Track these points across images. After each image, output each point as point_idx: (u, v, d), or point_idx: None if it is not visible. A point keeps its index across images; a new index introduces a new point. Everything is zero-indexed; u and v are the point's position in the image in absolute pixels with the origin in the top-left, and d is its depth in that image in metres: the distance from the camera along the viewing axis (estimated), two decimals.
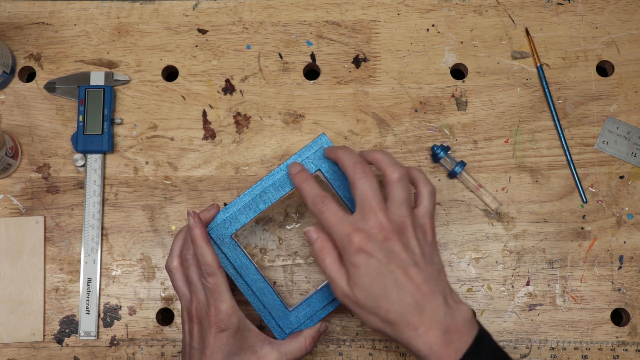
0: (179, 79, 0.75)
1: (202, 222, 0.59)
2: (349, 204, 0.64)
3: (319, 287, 0.64)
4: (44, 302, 0.71)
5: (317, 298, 0.64)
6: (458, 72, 0.77)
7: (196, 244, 0.58)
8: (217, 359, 0.58)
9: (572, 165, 0.73)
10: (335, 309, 0.64)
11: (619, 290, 0.71)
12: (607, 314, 0.71)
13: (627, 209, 0.73)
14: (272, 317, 0.63)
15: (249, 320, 0.60)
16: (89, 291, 0.71)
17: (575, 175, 0.73)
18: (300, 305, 0.64)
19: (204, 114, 0.75)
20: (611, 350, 0.70)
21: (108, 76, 0.74)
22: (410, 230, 0.56)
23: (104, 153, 0.73)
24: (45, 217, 0.72)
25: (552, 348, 0.70)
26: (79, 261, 0.72)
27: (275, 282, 0.71)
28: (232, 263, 0.63)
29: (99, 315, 0.71)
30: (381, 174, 0.59)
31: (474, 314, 0.57)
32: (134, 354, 0.70)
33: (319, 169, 0.64)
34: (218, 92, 0.75)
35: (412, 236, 0.56)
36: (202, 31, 0.76)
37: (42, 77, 0.75)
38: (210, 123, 0.74)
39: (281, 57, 0.76)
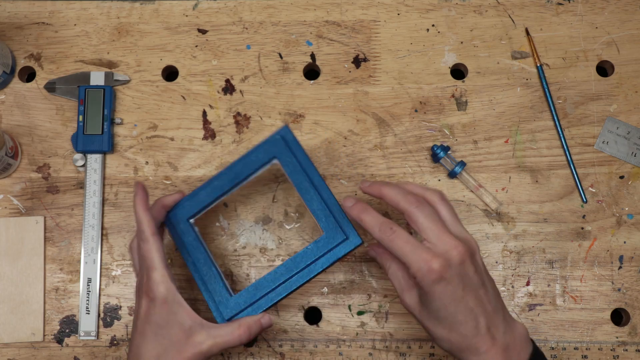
0: (179, 79, 0.75)
1: (144, 192, 0.60)
2: (304, 193, 0.63)
3: (262, 276, 0.63)
4: (44, 302, 0.71)
5: (259, 286, 0.62)
6: (458, 72, 0.77)
7: (135, 211, 0.59)
8: (145, 330, 0.57)
9: (572, 165, 0.73)
10: (280, 300, 0.62)
11: (619, 290, 0.71)
12: (607, 314, 0.71)
13: (627, 209, 0.73)
14: (214, 301, 0.62)
15: (182, 298, 0.59)
16: (89, 291, 0.71)
17: (575, 175, 0.73)
18: (241, 292, 0.62)
19: (204, 114, 0.75)
20: (611, 350, 0.70)
21: (108, 76, 0.74)
22: (478, 251, 0.57)
23: (104, 153, 0.73)
24: (45, 217, 0.72)
25: (552, 348, 0.70)
26: (79, 261, 0.72)
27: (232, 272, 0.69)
28: (186, 245, 0.63)
29: (99, 315, 0.71)
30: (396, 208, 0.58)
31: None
32: None
33: (275, 157, 0.63)
34: (218, 92, 0.75)
35: (479, 256, 0.57)
36: (202, 31, 0.76)
37: (42, 77, 0.75)
38: (210, 123, 0.74)
39: (281, 57, 0.76)
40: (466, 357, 0.55)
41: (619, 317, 0.72)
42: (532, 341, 0.58)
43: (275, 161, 0.64)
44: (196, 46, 0.76)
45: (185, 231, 0.64)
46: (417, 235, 0.56)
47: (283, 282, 0.62)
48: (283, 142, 0.63)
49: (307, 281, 0.62)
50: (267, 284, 0.62)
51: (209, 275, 0.63)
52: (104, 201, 0.73)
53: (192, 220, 0.64)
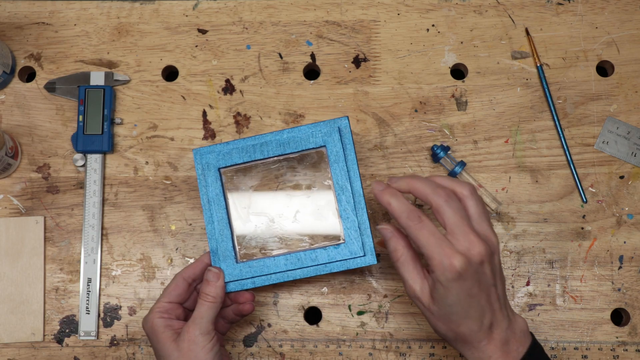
0: (179, 79, 0.75)
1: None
2: (339, 191, 0.64)
3: (271, 255, 0.65)
4: (44, 302, 0.71)
5: (266, 264, 0.64)
6: (458, 72, 0.77)
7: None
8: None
9: (572, 165, 0.73)
10: (278, 283, 0.65)
11: (619, 290, 0.71)
12: (607, 314, 0.71)
13: (627, 209, 0.73)
14: (220, 261, 0.64)
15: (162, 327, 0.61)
16: (89, 291, 0.71)
17: (575, 175, 0.73)
18: (247, 262, 0.64)
19: (204, 114, 0.75)
20: (611, 350, 0.70)
21: (108, 76, 0.74)
22: (498, 251, 0.57)
23: (104, 153, 0.73)
24: (45, 217, 0.72)
25: (552, 348, 0.70)
26: (79, 261, 0.72)
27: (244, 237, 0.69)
28: (208, 194, 0.64)
29: (99, 315, 0.71)
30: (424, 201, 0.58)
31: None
32: (134, 354, 0.70)
33: (324, 146, 0.64)
34: (218, 92, 0.75)
35: (497, 257, 0.57)
36: (202, 31, 0.76)
37: (42, 77, 0.75)
38: (210, 123, 0.74)
39: (281, 57, 0.76)
40: (464, 349, 0.57)
41: (619, 317, 0.72)
42: (532, 335, 0.58)
43: (322, 148, 0.65)
44: (196, 46, 0.76)
45: (213, 180, 0.64)
46: (441, 229, 0.56)
47: (288, 270, 0.64)
48: (337, 134, 0.64)
49: (310, 276, 0.64)
50: (274, 265, 0.64)
51: (222, 234, 0.64)
52: (104, 201, 0.73)
53: (221, 171, 0.65)
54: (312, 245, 0.65)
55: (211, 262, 0.65)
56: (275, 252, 0.65)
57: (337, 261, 0.63)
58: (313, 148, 0.65)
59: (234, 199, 0.65)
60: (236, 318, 0.66)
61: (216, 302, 0.61)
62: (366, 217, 0.63)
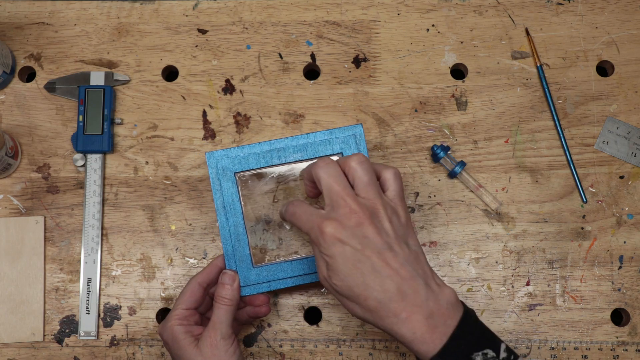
0: (179, 79, 0.75)
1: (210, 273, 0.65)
2: None
3: (288, 259, 0.65)
4: (44, 302, 0.71)
5: (279, 269, 0.65)
6: (458, 72, 0.77)
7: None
8: None
9: (572, 165, 0.73)
10: (295, 285, 0.65)
11: (619, 290, 0.71)
12: (607, 314, 0.71)
13: (627, 209, 0.73)
14: (236, 265, 0.64)
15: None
16: (89, 291, 0.71)
17: (575, 175, 0.73)
18: (264, 267, 0.65)
19: (204, 114, 0.75)
20: (611, 350, 0.70)
21: (108, 76, 0.74)
22: (382, 213, 0.54)
23: (104, 153, 0.73)
24: (45, 217, 0.72)
25: (552, 348, 0.70)
26: (79, 261, 0.72)
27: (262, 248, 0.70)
28: (224, 198, 0.64)
29: (99, 315, 0.71)
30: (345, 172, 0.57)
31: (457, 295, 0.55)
32: (134, 354, 0.70)
33: (341, 153, 0.65)
34: (218, 92, 0.75)
35: (384, 219, 0.54)
36: (202, 31, 0.76)
37: (42, 77, 0.75)
38: (210, 123, 0.74)
39: (281, 57, 0.76)
40: (389, 325, 0.53)
41: (619, 317, 0.72)
42: (464, 305, 0.55)
43: (339, 156, 0.65)
44: (196, 46, 0.76)
45: (228, 184, 0.65)
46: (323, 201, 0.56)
47: (304, 275, 0.65)
48: (354, 141, 0.64)
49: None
50: (290, 269, 0.65)
51: (238, 238, 0.64)
52: (104, 201, 0.73)
53: (237, 176, 0.65)
54: None
55: (225, 266, 0.65)
56: (289, 255, 0.66)
57: None
58: (330, 155, 0.65)
59: (248, 203, 0.66)
60: (249, 320, 0.66)
61: (233, 305, 0.61)
62: None
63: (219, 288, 0.62)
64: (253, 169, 0.65)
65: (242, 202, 0.65)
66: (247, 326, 0.71)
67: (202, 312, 0.65)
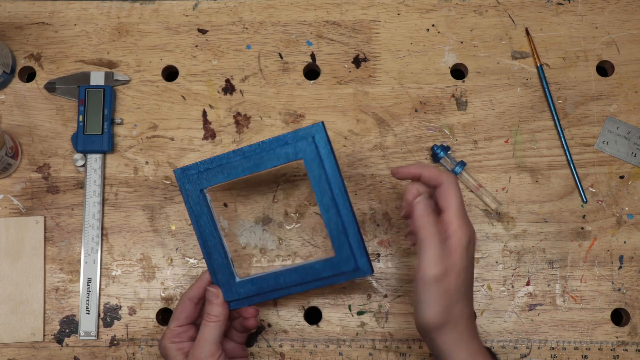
0: (179, 79, 0.75)
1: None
2: (323, 210, 0.60)
3: (270, 271, 0.63)
4: (44, 302, 0.71)
5: (263, 281, 0.62)
6: (458, 72, 0.77)
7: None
8: None
9: (572, 165, 0.73)
10: (279, 297, 0.63)
11: (619, 290, 0.71)
12: (607, 314, 0.71)
13: (627, 209, 0.73)
14: (219, 281, 0.63)
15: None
16: (89, 291, 0.71)
17: (575, 175, 0.73)
18: (245, 280, 0.62)
19: (204, 114, 0.75)
20: (611, 350, 0.70)
21: (108, 76, 0.74)
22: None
23: (104, 153, 0.73)
24: (45, 217, 0.72)
25: (552, 348, 0.70)
26: (79, 261, 0.72)
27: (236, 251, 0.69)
28: (195, 215, 0.62)
29: (99, 315, 0.71)
30: (430, 182, 0.59)
31: None
32: (134, 354, 0.70)
33: (302, 158, 0.60)
34: (218, 92, 0.75)
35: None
36: (202, 31, 0.76)
37: (42, 77, 0.75)
38: (210, 123, 0.74)
39: (281, 57, 0.76)
40: (441, 335, 0.56)
41: (619, 317, 0.72)
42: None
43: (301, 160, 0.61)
44: (196, 46, 0.76)
45: (197, 201, 0.62)
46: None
47: (284, 288, 0.62)
48: (313, 144, 0.59)
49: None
50: (270, 282, 0.62)
51: (217, 253, 0.62)
52: (104, 201, 0.73)
53: (204, 190, 0.62)
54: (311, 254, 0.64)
55: (212, 281, 0.64)
56: (275, 262, 0.64)
57: (333, 276, 0.61)
58: (290, 160, 0.60)
59: (221, 215, 0.64)
60: (243, 333, 0.66)
61: (220, 321, 0.61)
62: (355, 229, 0.60)
63: (206, 305, 0.62)
64: (216, 183, 0.62)
65: (213, 216, 0.62)
66: None
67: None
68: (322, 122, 0.60)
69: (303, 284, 0.62)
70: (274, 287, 0.62)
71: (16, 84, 0.75)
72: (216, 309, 0.61)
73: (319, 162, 0.60)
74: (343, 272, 0.61)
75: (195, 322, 0.64)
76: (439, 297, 0.55)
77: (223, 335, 0.62)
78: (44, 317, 0.71)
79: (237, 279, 0.62)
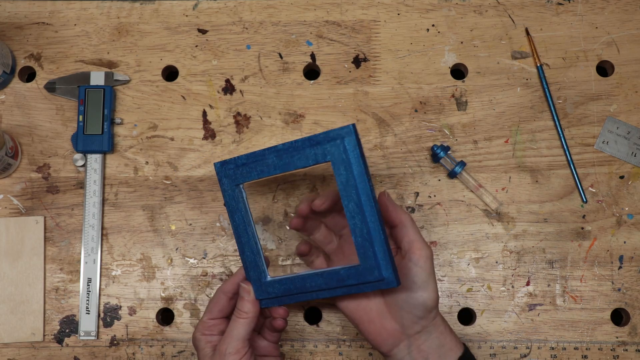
0: (179, 79, 0.75)
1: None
2: (349, 216, 0.58)
3: (302, 272, 0.61)
4: (44, 302, 0.71)
5: (293, 282, 0.61)
6: (458, 72, 0.77)
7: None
8: None
9: (572, 165, 0.73)
10: (308, 300, 0.62)
11: (619, 290, 0.71)
12: (607, 314, 0.71)
13: (627, 209, 0.73)
14: (251, 278, 0.62)
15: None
16: (89, 291, 0.71)
17: (575, 175, 0.73)
18: (276, 280, 0.61)
19: (204, 114, 0.75)
20: (611, 350, 0.70)
21: (108, 76, 0.74)
22: None
23: (104, 153, 0.73)
24: (45, 217, 0.72)
25: (552, 348, 0.70)
26: (79, 261, 0.72)
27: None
28: (231, 211, 0.61)
29: (99, 315, 0.71)
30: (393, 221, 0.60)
31: None
32: (134, 354, 0.70)
33: (330, 160, 0.58)
34: (218, 92, 0.75)
35: None
36: (202, 31, 0.76)
37: (42, 77, 0.75)
38: (210, 123, 0.74)
39: (281, 57, 0.76)
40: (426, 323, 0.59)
41: (619, 317, 0.72)
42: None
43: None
44: (196, 46, 0.76)
45: (233, 196, 0.61)
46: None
47: (310, 292, 0.61)
48: (341, 146, 0.56)
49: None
50: (296, 284, 0.61)
51: (251, 250, 0.61)
52: (104, 201, 0.73)
53: (241, 186, 0.61)
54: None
55: (245, 277, 0.63)
56: (307, 268, 0.64)
57: (358, 284, 0.59)
58: (319, 162, 0.58)
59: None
60: (273, 332, 0.65)
61: (249, 318, 0.60)
62: (382, 240, 0.57)
63: (237, 300, 0.61)
64: (252, 180, 0.61)
65: (249, 215, 0.61)
66: None
67: None
68: (354, 125, 0.57)
69: (329, 290, 0.60)
70: (300, 290, 0.61)
71: (16, 84, 0.75)
72: (246, 306, 0.60)
73: (346, 166, 0.57)
74: (368, 282, 0.58)
75: (228, 317, 0.63)
76: (433, 274, 0.58)
77: (252, 332, 0.61)
78: (44, 317, 0.71)
79: (267, 278, 0.61)
